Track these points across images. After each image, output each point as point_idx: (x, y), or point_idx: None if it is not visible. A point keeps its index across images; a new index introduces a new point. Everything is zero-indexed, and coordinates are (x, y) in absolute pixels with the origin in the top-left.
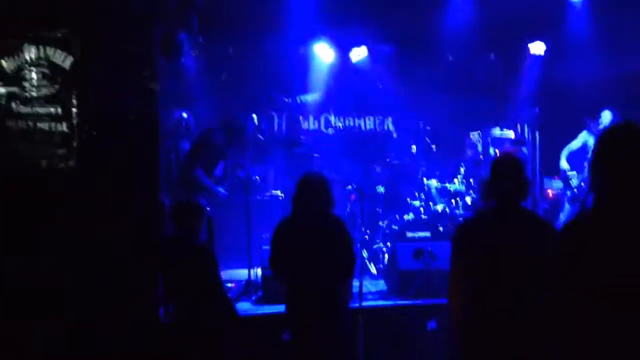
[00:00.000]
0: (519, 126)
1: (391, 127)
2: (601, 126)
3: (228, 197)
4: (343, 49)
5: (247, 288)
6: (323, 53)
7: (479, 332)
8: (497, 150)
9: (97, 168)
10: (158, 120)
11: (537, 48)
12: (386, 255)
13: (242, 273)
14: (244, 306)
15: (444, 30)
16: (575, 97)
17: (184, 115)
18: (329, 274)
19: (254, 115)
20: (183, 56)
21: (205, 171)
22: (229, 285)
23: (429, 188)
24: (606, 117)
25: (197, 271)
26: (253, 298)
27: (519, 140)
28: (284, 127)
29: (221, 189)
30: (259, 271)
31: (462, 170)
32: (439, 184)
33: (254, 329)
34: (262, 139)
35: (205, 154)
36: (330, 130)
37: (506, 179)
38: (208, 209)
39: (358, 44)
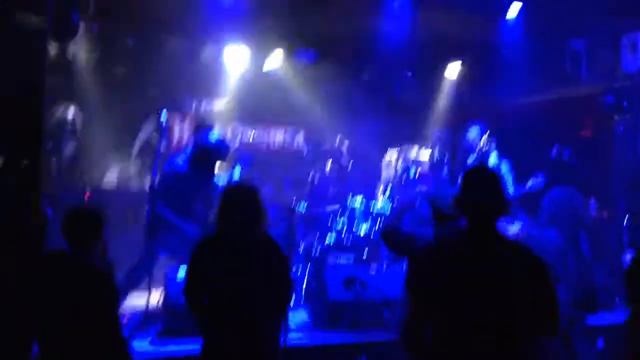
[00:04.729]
0: (431, 148)
1: (301, 142)
2: (470, 140)
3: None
4: (256, 53)
5: (145, 321)
6: (234, 56)
7: None
8: (417, 170)
9: None
10: (43, 115)
11: (454, 69)
12: (305, 282)
13: (137, 303)
14: (140, 345)
15: (364, 44)
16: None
17: (70, 112)
18: (260, 309)
19: (164, 111)
20: (75, 39)
21: None
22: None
23: (353, 208)
24: (473, 132)
25: (86, 299)
26: (152, 332)
27: (440, 161)
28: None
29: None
30: (160, 295)
31: (387, 189)
32: (363, 203)
33: None
34: (165, 144)
35: None
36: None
37: (482, 194)
38: None
39: (272, 49)
